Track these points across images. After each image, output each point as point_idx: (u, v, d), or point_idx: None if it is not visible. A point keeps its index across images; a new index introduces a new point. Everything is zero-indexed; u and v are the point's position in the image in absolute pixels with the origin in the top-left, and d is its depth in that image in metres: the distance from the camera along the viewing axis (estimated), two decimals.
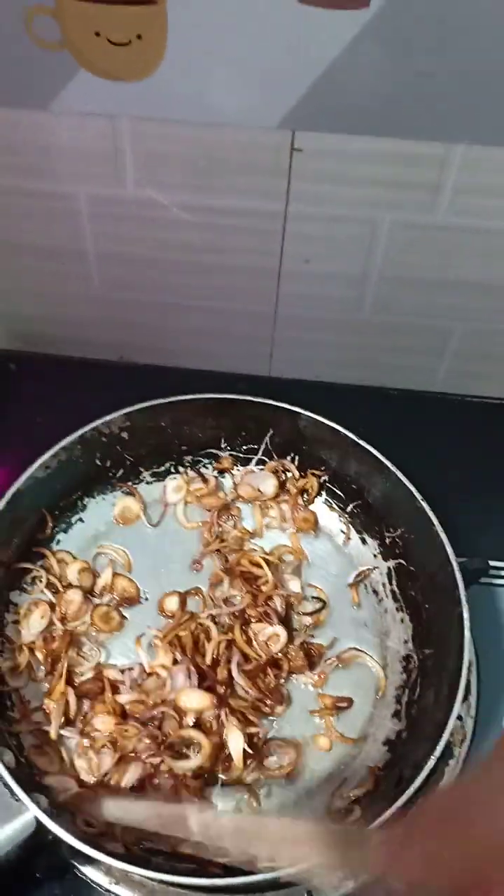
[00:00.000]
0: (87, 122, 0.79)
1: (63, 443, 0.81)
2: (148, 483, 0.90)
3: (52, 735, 0.74)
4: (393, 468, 0.81)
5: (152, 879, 0.66)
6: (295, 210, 0.85)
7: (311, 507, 0.89)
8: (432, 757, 0.66)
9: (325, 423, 0.83)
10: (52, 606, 0.80)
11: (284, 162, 0.80)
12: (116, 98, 0.77)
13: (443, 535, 0.76)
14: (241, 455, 0.90)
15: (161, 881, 0.65)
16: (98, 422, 0.83)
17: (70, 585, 0.82)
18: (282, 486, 0.89)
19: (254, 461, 0.90)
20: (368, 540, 0.86)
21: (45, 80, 0.76)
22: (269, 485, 0.89)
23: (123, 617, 0.82)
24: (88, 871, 0.68)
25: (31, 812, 0.63)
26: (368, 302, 0.94)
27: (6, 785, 0.64)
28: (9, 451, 0.86)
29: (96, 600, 0.82)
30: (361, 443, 0.82)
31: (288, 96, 0.75)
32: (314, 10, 0.69)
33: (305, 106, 0.75)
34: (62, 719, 0.75)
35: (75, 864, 0.68)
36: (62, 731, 0.74)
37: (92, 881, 0.68)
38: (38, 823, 0.64)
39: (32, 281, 0.98)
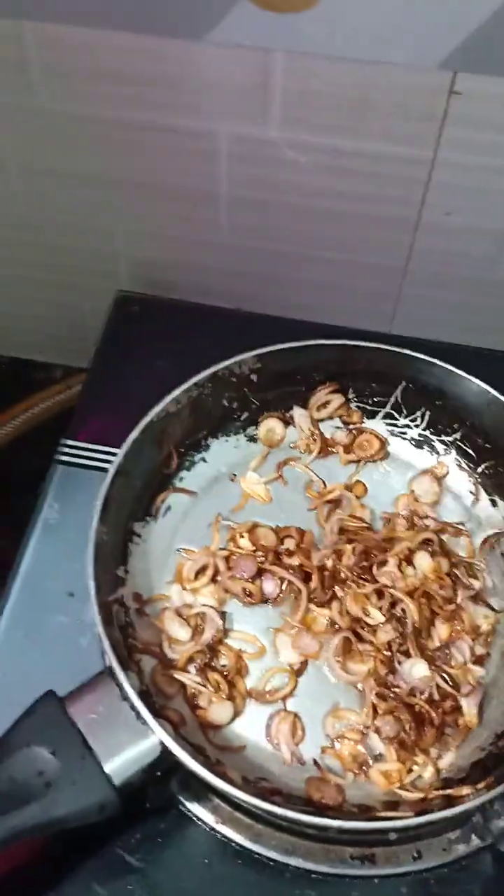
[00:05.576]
0: (240, 56, 0.78)
1: (195, 379, 0.80)
2: None
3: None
4: None
5: (270, 813, 0.64)
6: (444, 158, 0.82)
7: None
8: None
9: (463, 376, 0.80)
10: None
11: (440, 106, 0.78)
12: (274, 31, 0.75)
13: None
14: (368, 408, 0.88)
15: (278, 816, 0.63)
16: (230, 361, 0.81)
17: None
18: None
19: (381, 414, 0.88)
20: (499, 502, 0.83)
21: (206, 9, 0.75)
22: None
23: None
24: (195, 808, 0.67)
25: (156, 736, 0.62)
26: None
27: (133, 708, 0.63)
28: (129, 392, 0.86)
29: None
30: (502, 398, 0.78)
31: (454, 35, 0.73)
32: None
33: (471, 46, 0.73)
34: None
35: (182, 799, 0.68)
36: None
37: (198, 818, 0.67)
38: (163, 749, 0.63)
39: (159, 224, 0.97)
